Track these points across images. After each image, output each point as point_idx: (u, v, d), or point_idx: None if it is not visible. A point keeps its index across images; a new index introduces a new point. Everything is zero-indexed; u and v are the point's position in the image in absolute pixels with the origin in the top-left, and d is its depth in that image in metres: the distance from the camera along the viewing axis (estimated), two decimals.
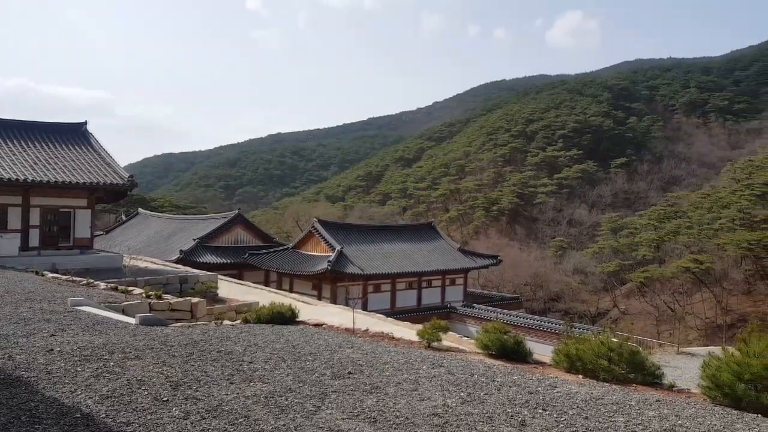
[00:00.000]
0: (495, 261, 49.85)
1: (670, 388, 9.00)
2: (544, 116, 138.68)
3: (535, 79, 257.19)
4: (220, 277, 24.71)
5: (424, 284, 44.05)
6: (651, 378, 9.23)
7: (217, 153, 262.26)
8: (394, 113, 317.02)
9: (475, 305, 45.12)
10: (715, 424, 6.95)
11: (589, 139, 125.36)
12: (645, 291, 58.24)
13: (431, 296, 44.45)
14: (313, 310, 20.40)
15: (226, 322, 13.93)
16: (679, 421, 7.00)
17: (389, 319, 21.38)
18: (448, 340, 13.73)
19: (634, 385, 9.03)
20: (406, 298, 42.82)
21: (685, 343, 37.14)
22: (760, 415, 7.51)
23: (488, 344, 10.94)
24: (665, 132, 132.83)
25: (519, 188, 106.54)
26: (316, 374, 8.15)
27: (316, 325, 13.34)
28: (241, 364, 8.48)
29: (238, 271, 41.24)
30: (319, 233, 41.61)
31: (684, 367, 19.85)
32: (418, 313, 38.95)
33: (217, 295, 21.16)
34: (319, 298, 36.69)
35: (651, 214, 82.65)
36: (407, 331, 14.89)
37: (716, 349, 10.34)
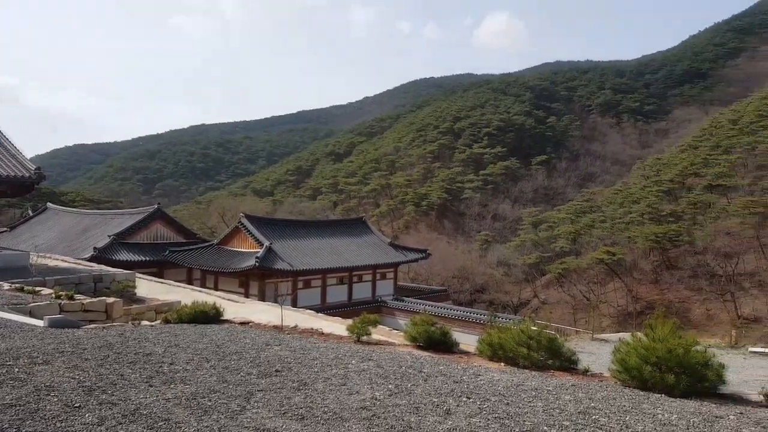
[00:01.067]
0: (424, 255, 50.76)
1: (585, 372, 9.53)
2: (471, 114, 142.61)
3: (462, 77, 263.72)
4: (138, 275, 23.53)
5: (355, 279, 44.11)
6: (567, 363, 9.74)
7: (135, 144, 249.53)
8: (324, 107, 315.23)
9: (405, 299, 45.78)
10: (624, 405, 7.43)
11: (513, 137, 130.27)
12: (563, 281, 61.32)
13: (362, 291, 44.60)
14: (239, 308, 19.87)
15: (145, 322, 13.33)
16: (593, 404, 7.42)
17: (319, 315, 21.23)
18: (379, 333, 13.83)
19: (552, 370, 9.49)
20: (337, 294, 42.72)
21: (599, 329, 39.42)
22: (664, 395, 8.11)
23: (416, 336, 11.14)
24: (582, 131, 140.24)
25: (447, 184, 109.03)
26: (241, 373, 7.95)
27: (243, 323, 13.03)
28: (161, 366, 8.12)
29: (159, 269, 39.43)
30: (247, 229, 40.59)
31: (598, 352, 21.02)
32: (349, 308, 38.97)
33: (135, 294, 20.13)
34: (247, 295, 35.83)
35: (568, 208, 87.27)
36: (337, 327, 14.85)
37: (626, 335, 11.05)
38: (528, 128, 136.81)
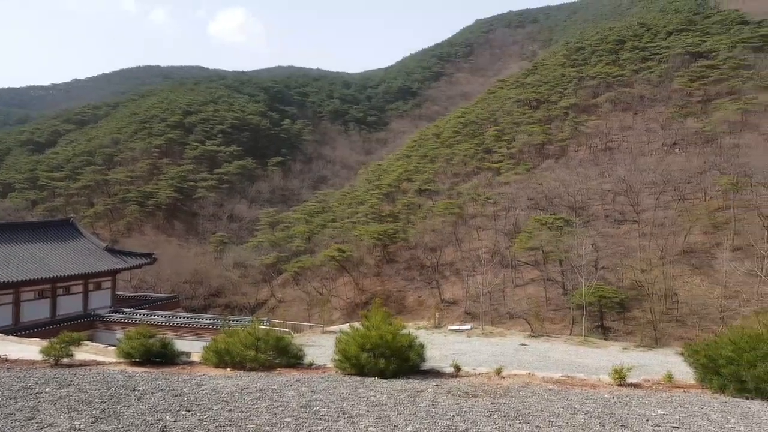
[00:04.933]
0: (150, 260, 46.45)
1: (310, 366, 9.86)
2: (203, 109, 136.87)
3: (192, 69, 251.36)
4: None
5: (60, 291, 37.82)
6: (294, 360, 9.94)
7: None
8: (19, 87, 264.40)
9: (127, 310, 41.20)
10: (343, 392, 7.88)
11: (248, 137, 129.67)
12: (299, 279, 63.53)
13: (70, 305, 38.47)
14: None
15: None
16: (315, 396, 7.67)
17: (10, 337, 17.63)
18: (88, 352, 12.12)
19: (279, 369, 9.56)
20: (37, 310, 36.01)
21: (329, 322, 41.97)
22: (377, 378, 8.88)
23: (130, 352, 10.00)
24: (315, 136, 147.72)
25: (177, 182, 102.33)
26: None
27: None
28: None
29: None
30: None
31: (328, 344, 22.18)
32: (53, 326, 33.21)
33: None
34: None
35: (303, 209, 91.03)
36: (32, 349, 12.44)
37: (347, 326, 11.78)
38: (263, 129, 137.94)
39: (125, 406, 7.04)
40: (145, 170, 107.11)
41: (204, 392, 7.80)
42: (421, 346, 9.53)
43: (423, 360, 9.57)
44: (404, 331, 9.50)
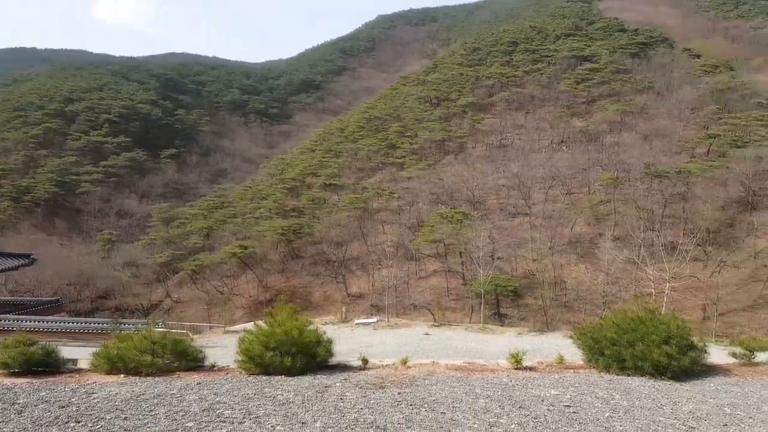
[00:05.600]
0: (28, 260, 42.09)
1: (212, 368, 9.47)
2: (87, 97, 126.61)
3: (74, 53, 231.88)
4: None
5: None
6: (194, 363, 9.49)
7: None
8: None
9: (2, 316, 37.30)
10: (248, 393, 7.65)
11: (138, 127, 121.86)
12: (197, 278, 60.77)
13: None
14: None
15: None
16: (218, 398, 7.38)
17: None
18: None
19: (179, 373, 9.08)
20: None
21: (231, 322, 40.61)
22: (284, 376, 8.72)
23: (8, 362, 9.05)
24: (212, 127, 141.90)
25: (58, 175, 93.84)
26: None
27: None
28: None
29: None
30: None
31: (230, 345, 21.45)
32: None
33: None
34: None
35: (201, 204, 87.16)
36: None
37: (250, 325, 11.47)
38: (155, 118, 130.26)
39: (3, 422, 6.38)
40: (20, 162, 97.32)
41: (95, 401, 7.25)
42: (330, 341, 9.50)
43: (331, 355, 9.54)
44: (311, 327, 9.40)
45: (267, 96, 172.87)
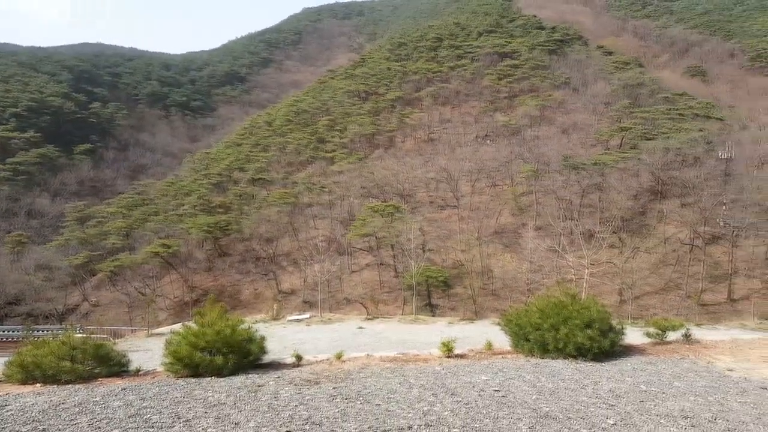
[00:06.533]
0: None
1: (137, 372, 9.07)
2: None
3: None
4: None
5: None
6: (118, 368, 9.05)
7: None
8: None
9: None
10: (177, 396, 7.38)
11: (49, 121, 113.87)
12: (116, 280, 57.75)
13: None
14: None
15: None
16: (145, 403, 7.08)
17: None
18: None
19: (101, 379, 8.63)
20: None
21: (155, 324, 38.99)
22: (215, 377, 8.48)
23: None
24: (130, 120, 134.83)
25: None
26: None
27: None
28: None
29: None
30: None
31: (156, 348, 20.66)
32: None
33: None
34: None
35: (119, 202, 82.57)
36: None
37: (178, 326, 11.09)
38: (68, 112, 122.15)
39: None
40: None
41: (9, 414, 6.75)
42: (263, 338, 9.34)
43: (265, 353, 9.39)
44: (243, 326, 9.20)
45: (189, 88, 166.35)
